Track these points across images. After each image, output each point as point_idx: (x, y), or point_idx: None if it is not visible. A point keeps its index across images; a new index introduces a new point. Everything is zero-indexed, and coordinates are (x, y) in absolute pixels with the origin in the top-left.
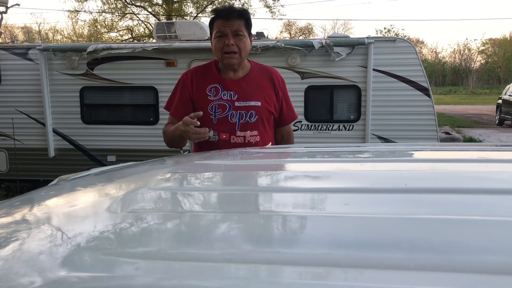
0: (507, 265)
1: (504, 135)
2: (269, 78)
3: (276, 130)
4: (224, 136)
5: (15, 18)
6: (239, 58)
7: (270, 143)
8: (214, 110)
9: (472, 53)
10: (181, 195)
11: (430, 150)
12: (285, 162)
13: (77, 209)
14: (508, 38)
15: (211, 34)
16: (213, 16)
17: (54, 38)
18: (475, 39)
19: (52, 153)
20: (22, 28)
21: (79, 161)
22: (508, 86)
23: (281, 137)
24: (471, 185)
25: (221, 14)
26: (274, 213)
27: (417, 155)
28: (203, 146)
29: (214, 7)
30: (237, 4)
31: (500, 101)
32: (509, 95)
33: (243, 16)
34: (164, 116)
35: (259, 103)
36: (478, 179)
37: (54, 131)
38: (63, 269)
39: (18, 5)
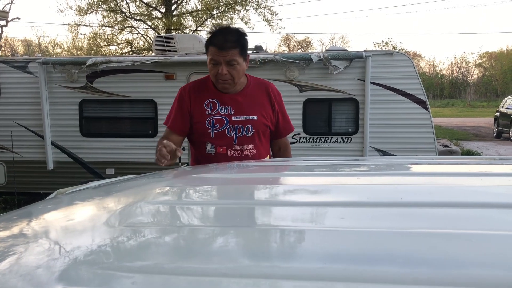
0: (502, 280)
1: (502, 147)
2: (265, 91)
3: (273, 142)
4: (221, 150)
5: (15, 32)
6: (232, 84)
7: (268, 156)
8: (211, 125)
9: (470, 66)
10: (179, 209)
11: (427, 164)
12: (282, 176)
13: (74, 223)
14: (505, 52)
15: (207, 54)
16: (207, 39)
17: (54, 51)
18: (472, 53)
19: (50, 166)
20: (22, 41)
21: (77, 173)
22: (506, 99)
23: (278, 149)
24: (466, 199)
25: (215, 42)
26: (271, 227)
27: (414, 168)
28: (201, 160)
29: (212, 21)
30: (236, 18)
31: (497, 114)
32: (507, 108)
33: (239, 44)
34: (163, 128)
35: (256, 117)
36: (473, 193)
37: (53, 143)
38: (60, 283)
39: (19, 18)
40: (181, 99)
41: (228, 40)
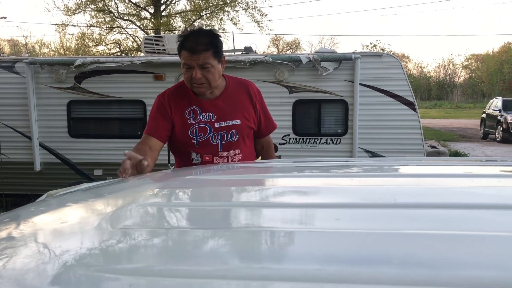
0: (496, 280)
1: (489, 148)
2: (246, 92)
3: (256, 141)
4: (207, 158)
5: (1, 31)
6: (208, 87)
7: (260, 157)
8: (195, 134)
9: (457, 68)
10: (171, 211)
11: (418, 165)
12: (274, 177)
13: (67, 225)
14: (491, 54)
15: (180, 58)
16: (179, 43)
17: (41, 51)
18: (459, 54)
19: (38, 167)
20: (8, 41)
21: (65, 175)
22: (492, 100)
23: (261, 148)
24: (459, 200)
25: (187, 46)
26: (264, 229)
27: (405, 170)
28: (184, 166)
29: (202, 22)
30: (225, 19)
31: (484, 115)
32: (493, 109)
33: (211, 46)
34: None
35: (239, 121)
36: (466, 194)
37: (41, 144)
38: (53, 287)
39: (5, 18)
40: (162, 107)
41: (200, 43)
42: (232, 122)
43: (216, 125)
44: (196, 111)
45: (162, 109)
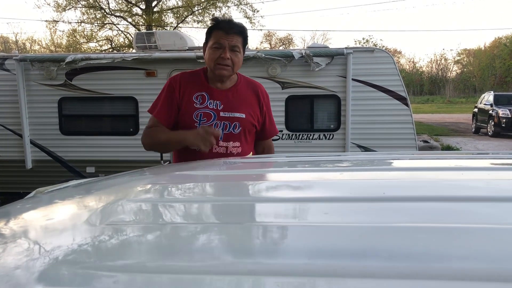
0: (484, 272)
1: (481, 143)
2: (255, 92)
3: (257, 143)
4: None
5: None
6: (231, 71)
7: (252, 152)
8: (199, 118)
9: (449, 63)
10: (161, 206)
11: (408, 159)
12: (265, 172)
13: (54, 222)
14: (483, 49)
15: (206, 42)
16: (212, 25)
17: (32, 48)
18: (451, 49)
19: (29, 165)
20: None
21: (57, 172)
22: (483, 95)
23: (262, 150)
24: (448, 193)
25: (222, 26)
26: (254, 223)
27: (395, 163)
28: (184, 155)
29: (193, 18)
30: (217, 14)
31: (476, 109)
32: (485, 104)
33: (243, 33)
34: (145, 126)
35: (244, 115)
36: (455, 187)
37: (32, 142)
38: (40, 284)
39: None
40: (171, 90)
41: (235, 26)
42: (237, 115)
43: (221, 114)
44: (204, 97)
45: (172, 93)
